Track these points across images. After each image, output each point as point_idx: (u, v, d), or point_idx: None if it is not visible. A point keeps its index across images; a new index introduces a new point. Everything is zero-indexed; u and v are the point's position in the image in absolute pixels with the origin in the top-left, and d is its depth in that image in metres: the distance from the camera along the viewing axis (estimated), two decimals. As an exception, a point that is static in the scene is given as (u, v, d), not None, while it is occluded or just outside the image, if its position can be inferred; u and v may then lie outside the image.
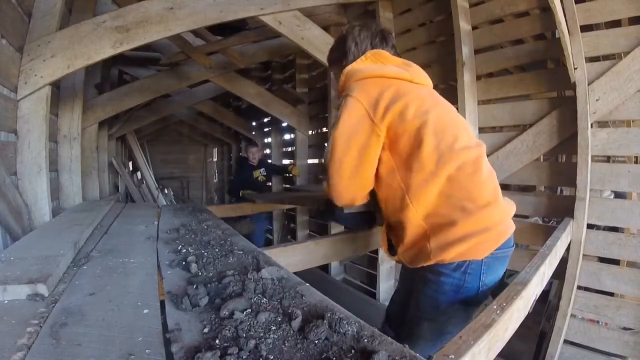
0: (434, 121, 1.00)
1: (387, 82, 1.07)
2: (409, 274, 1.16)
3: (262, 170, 4.21)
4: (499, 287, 0.99)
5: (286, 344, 0.59)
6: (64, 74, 1.71)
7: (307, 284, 0.84)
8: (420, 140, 0.98)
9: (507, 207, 1.02)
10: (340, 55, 1.23)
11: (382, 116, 1.00)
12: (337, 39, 1.30)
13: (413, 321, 1.07)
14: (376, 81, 1.07)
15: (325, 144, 1.08)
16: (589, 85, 1.78)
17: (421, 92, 1.08)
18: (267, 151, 5.62)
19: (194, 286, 0.79)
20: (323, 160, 1.08)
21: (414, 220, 0.98)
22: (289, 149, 4.80)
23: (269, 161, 4.82)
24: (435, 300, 1.00)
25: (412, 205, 0.97)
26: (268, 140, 5.47)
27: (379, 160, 1.04)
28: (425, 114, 1.00)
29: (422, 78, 1.17)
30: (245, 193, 3.82)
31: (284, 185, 4.84)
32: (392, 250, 1.16)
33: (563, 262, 1.79)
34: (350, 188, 1.06)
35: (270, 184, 5.29)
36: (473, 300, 0.98)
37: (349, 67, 1.15)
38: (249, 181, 4.09)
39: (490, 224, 0.95)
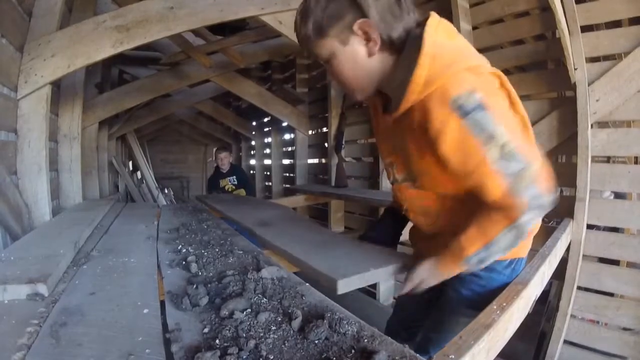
0: None
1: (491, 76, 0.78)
2: None
3: (231, 179, 3.82)
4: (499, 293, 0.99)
5: (286, 344, 0.59)
6: (64, 74, 1.72)
7: (307, 284, 0.84)
8: None
9: None
10: (340, 12, 0.74)
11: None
12: None
13: (446, 316, 1.03)
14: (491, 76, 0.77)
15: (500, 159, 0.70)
16: (589, 85, 1.78)
17: None
18: (267, 151, 5.61)
19: (194, 286, 0.79)
20: (513, 183, 0.70)
21: None
22: (289, 148, 4.80)
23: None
24: (479, 295, 0.97)
25: None
26: (268, 140, 5.48)
27: None
28: None
29: None
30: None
31: (284, 185, 4.84)
32: None
33: (563, 263, 1.79)
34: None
35: (270, 183, 5.30)
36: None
37: (444, 48, 0.72)
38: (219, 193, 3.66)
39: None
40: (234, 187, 3.80)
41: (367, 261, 0.90)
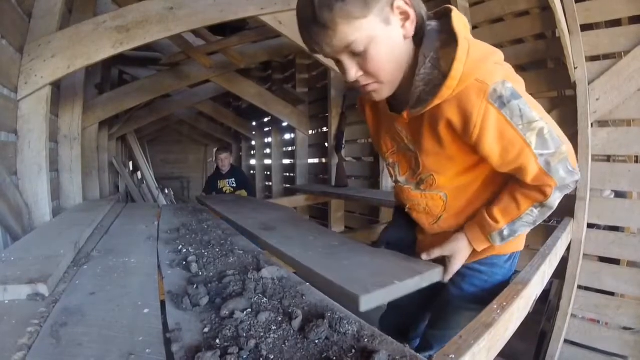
0: None
1: None
2: None
3: (230, 181, 3.77)
4: (500, 286, 0.99)
5: (286, 344, 0.59)
6: (64, 74, 1.72)
7: (308, 284, 0.84)
8: None
9: None
10: None
11: None
12: None
13: (450, 313, 1.02)
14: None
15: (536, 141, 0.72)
16: (589, 84, 1.78)
17: None
18: (267, 151, 5.61)
19: (195, 286, 0.79)
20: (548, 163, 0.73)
21: None
22: (289, 148, 4.80)
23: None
24: (482, 290, 0.98)
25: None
26: (268, 140, 5.48)
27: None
28: None
29: None
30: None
31: (284, 185, 4.85)
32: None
33: (563, 262, 1.79)
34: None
35: (270, 183, 5.30)
36: (505, 285, 0.96)
37: (474, 44, 0.69)
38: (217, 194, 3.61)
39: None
40: (232, 190, 3.76)
41: (388, 272, 0.79)
